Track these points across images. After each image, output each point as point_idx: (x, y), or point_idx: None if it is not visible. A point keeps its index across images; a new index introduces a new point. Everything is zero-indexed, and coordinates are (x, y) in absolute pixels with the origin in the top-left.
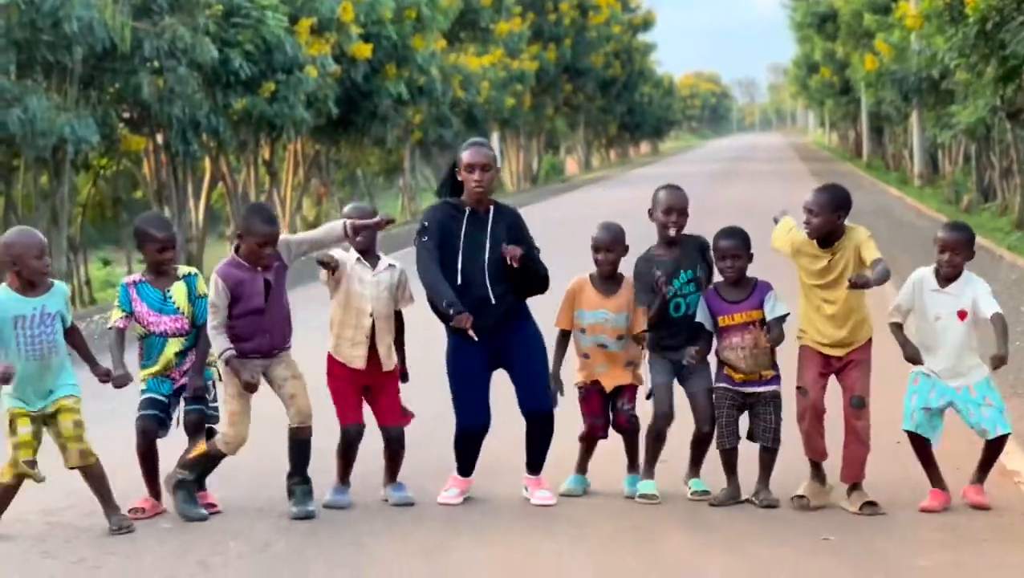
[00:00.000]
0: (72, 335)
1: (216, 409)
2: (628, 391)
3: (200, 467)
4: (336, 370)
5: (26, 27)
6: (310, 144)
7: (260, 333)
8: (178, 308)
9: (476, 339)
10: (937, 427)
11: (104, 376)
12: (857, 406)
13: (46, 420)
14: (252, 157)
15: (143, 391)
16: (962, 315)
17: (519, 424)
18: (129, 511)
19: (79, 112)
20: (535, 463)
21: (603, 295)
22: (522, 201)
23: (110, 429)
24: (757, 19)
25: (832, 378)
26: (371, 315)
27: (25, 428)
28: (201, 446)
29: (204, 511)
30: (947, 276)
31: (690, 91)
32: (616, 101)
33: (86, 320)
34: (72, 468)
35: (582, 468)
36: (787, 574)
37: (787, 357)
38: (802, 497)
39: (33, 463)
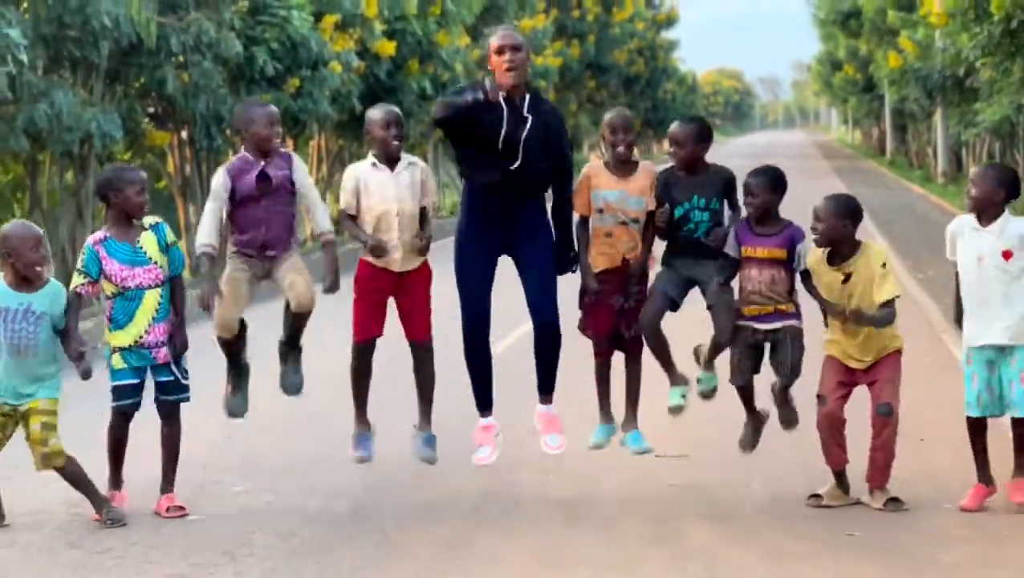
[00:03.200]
0: (63, 337)
1: (187, 389)
2: (636, 313)
3: (229, 367)
4: (365, 274)
5: (53, 22)
6: (334, 139)
7: (254, 225)
8: (150, 258)
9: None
10: (1001, 406)
11: (78, 357)
12: (884, 414)
13: (22, 418)
14: None
15: (115, 372)
16: (1007, 255)
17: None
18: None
19: (105, 107)
20: (544, 383)
21: (619, 177)
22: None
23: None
24: (780, 16)
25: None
26: (397, 214)
27: None
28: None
29: (246, 408)
30: (986, 216)
31: (713, 88)
32: (639, 98)
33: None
34: (39, 470)
35: (604, 411)
36: (811, 568)
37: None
38: (818, 496)
39: None
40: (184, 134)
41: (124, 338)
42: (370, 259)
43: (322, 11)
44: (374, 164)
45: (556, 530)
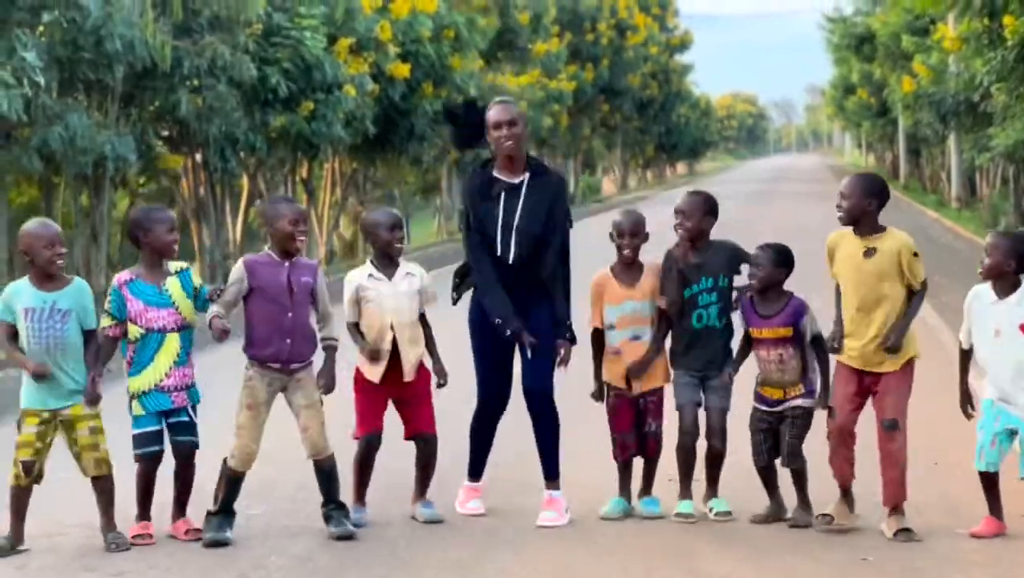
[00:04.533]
0: (89, 340)
1: (196, 432)
2: (655, 407)
3: (222, 493)
4: (363, 382)
5: (68, 45)
6: (347, 163)
7: (279, 336)
8: (174, 302)
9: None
10: (1005, 454)
11: (92, 390)
12: (889, 428)
13: (63, 425)
14: (289, 175)
15: (137, 418)
16: None
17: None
18: (134, 537)
19: (119, 130)
20: (548, 466)
21: (626, 286)
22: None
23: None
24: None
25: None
26: (391, 328)
27: (31, 428)
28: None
29: (229, 535)
30: (1001, 286)
31: (727, 112)
32: (653, 121)
33: None
34: (89, 477)
35: (624, 490)
36: None
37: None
38: (827, 516)
39: (31, 465)
40: (198, 157)
41: (145, 382)
42: (366, 373)
43: (336, 34)
44: (371, 274)
45: (567, 551)
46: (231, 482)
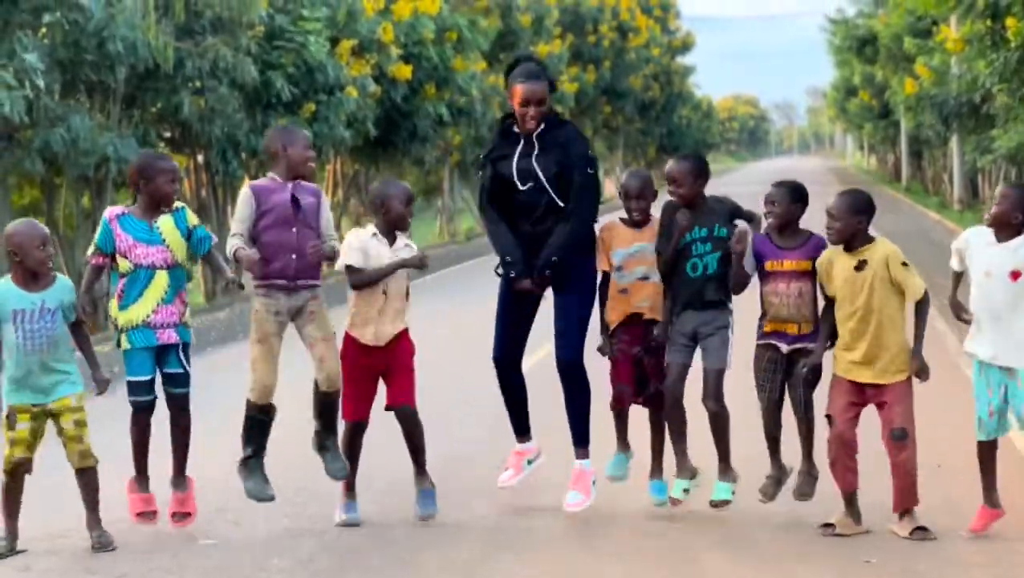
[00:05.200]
0: (77, 331)
1: (188, 382)
2: (656, 369)
3: (249, 436)
4: (351, 352)
5: (70, 47)
6: (349, 164)
7: (285, 251)
8: (165, 240)
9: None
10: (1005, 426)
11: (102, 387)
12: (899, 438)
13: (49, 416)
14: None
15: (128, 361)
16: (1015, 275)
17: (563, 439)
18: (138, 516)
19: (121, 131)
20: (578, 432)
21: (635, 230)
22: None
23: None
24: (796, 43)
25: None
26: (384, 292)
27: (24, 424)
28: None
29: (271, 492)
30: (1003, 233)
31: (728, 114)
32: (655, 123)
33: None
34: (75, 468)
35: (622, 441)
36: None
37: None
38: (829, 525)
39: (28, 461)
40: (200, 158)
41: (132, 316)
42: (355, 334)
43: (339, 36)
44: (375, 235)
45: (572, 554)
46: (255, 422)
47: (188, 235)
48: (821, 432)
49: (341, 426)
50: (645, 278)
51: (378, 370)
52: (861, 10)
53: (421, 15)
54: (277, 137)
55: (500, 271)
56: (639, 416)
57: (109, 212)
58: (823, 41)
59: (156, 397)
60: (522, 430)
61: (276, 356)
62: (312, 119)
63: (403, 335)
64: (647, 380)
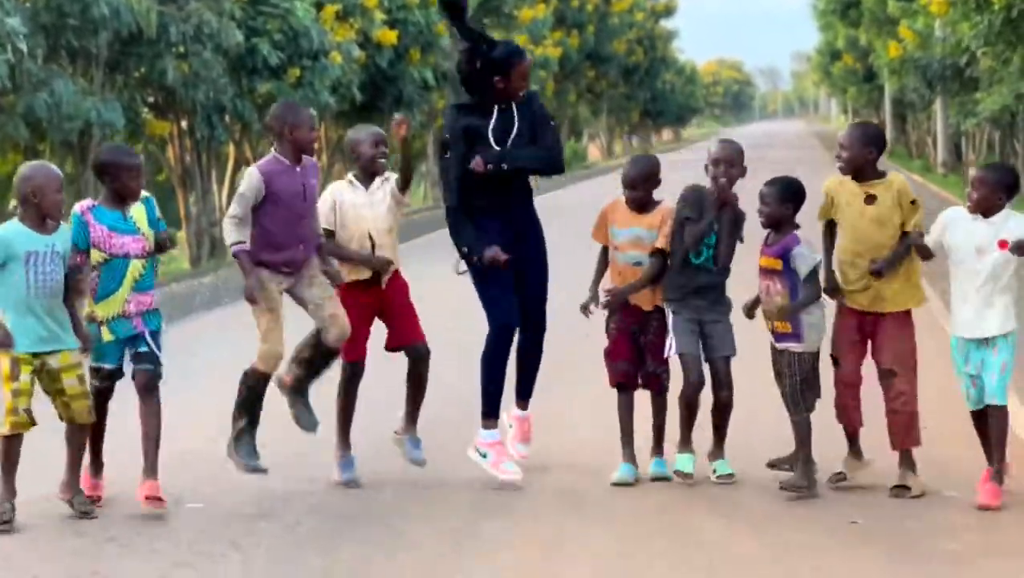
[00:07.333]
0: (70, 282)
1: (161, 364)
2: (655, 348)
3: (245, 406)
4: (346, 298)
5: (53, 11)
6: (334, 129)
7: (294, 243)
8: (138, 228)
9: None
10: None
11: (87, 344)
12: (887, 377)
13: (48, 373)
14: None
15: (99, 341)
16: (1003, 245)
17: (553, 416)
18: (88, 496)
19: (105, 96)
20: (526, 389)
21: (636, 213)
22: (544, 187)
23: None
24: (780, 6)
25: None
26: (370, 236)
27: (27, 375)
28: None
29: (263, 465)
30: (987, 214)
31: (712, 78)
32: (639, 88)
33: None
34: (76, 424)
35: (627, 450)
36: (814, 557)
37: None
38: (840, 474)
39: (29, 412)
40: (184, 124)
41: (109, 308)
42: (352, 276)
43: (323, 1)
44: (351, 182)
45: (561, 520)
46: (256, 393)
47: (155, 224)
48: (821, 433)
49: (334, 375)
50: (638, 264)
51: (375, 309)
52: None
53: None
54: (281, 116)
55: (461, 268)
56: (639, 416)
57: (79, 206)
58: (808, 5)
59: (115, 383)
60: (497, 410)
61: (282, 323)
62: (296, 84)
63: (397, 274)
64: (644, 356)
